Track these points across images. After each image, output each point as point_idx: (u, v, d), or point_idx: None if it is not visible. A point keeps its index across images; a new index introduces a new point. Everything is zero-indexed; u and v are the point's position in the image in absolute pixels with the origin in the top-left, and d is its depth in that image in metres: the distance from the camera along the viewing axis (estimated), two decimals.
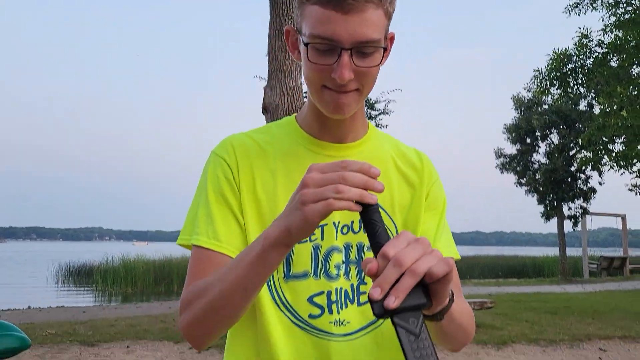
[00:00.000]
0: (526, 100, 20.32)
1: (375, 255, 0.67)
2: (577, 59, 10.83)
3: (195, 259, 0.93)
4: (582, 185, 19.56)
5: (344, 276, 0.97)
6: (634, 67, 9.70)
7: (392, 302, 0.62)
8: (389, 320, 0.94)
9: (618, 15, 9.81)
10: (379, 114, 16.00)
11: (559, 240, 20.59)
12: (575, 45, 10.72)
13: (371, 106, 15.79)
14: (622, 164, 10.63)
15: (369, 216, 0.70)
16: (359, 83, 0.88)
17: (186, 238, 0.95)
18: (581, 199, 19.71)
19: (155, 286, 17.69)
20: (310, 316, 0.94)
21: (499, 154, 21.08)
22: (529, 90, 19.53)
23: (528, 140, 20.47)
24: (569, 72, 10.98)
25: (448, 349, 0.97)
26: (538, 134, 20.15)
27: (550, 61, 11.09)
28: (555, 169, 19.11)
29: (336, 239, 0.97)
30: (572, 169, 19.29)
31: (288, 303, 0.94)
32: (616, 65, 9.83)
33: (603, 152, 10.90)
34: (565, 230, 20.47)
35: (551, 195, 19.73)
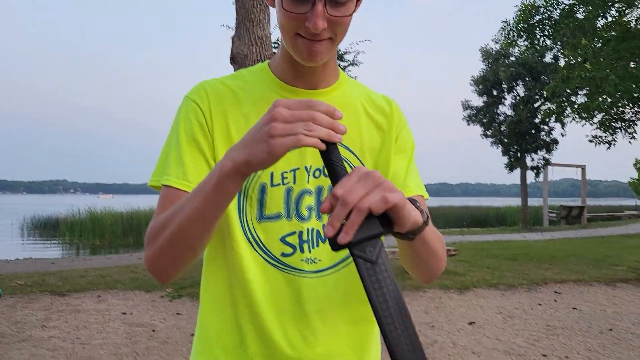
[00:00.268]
0: (494, 52, 20.42)
1: None
2: (545, 11, 10.89)
3: (164, 197, 0.95)
4: (545, 136, 20.01)
5: (316, 217, 1.01)
6: (599, 19, 9.81)
7: (343, 238, 0.66)
8: None
9: None
10: (348, 65, 15.88)
11: (521, 191, 21.23)
12: None
13: (340, 57, 15.64)
14: (583, 115, 10.87)
15: (329, 156, 0.73)
16: (332, 32, 0.90)
17: (157, 179, 0.97)
18: (544, 150, 20.20)
19: (124, 238, 17.63)
20: (283, 255, 0.98)
21: (466, 106, 21.28)
22: (496, 42, 19.63)
23: (495, 92, 20.68)
24: (536, 24, 11.05)
25: (421, 279, 1.02)
26: (504, 86, 20.36)
27: (518, 12, 11.13)
28: (520, 120, 19.46)
29: (308, 182, 1.00)
30: (536, 120, 19.66)
31: (261, 242, 0.98)
32: (582, 17, 9.93)
33: (566, 103, 11.11)
34: (528, 181, 21.07)
35: (515, 147, 20.15)
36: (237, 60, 6.11)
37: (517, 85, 20.36)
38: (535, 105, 19.72)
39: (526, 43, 11.95)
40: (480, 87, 20.63)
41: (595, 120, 11.10)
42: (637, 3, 9.26)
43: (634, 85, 9.51)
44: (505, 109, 20.83)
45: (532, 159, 20.51)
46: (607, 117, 10.96)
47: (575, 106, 10.90)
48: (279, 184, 0.99)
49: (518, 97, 20.40)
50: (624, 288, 7.90)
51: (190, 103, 1.00)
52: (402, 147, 1.10)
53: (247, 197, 0.98)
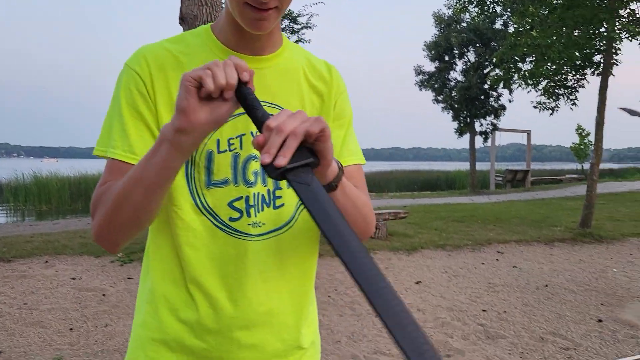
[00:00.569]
0: (446, 18, 20.58)
1: (261, 131, 0.74)
2: None
3: (110, 168, 0.96)
4: (493, 102, 20.51)
5: (261, 182, 1.04)
6: None
7: (281, 161, 0.70)
8: (300, 221, 1.06)
9: None
10: (302, 27, 15.69)
11: (470, 155, 21.84)
12: None
13: (294, 20, 15.42)
14: (529, 82, 11.18)
15: (247, 102, 0.78)
16: (279, 1, 0.92)
17: (102, 150, 0.97)
18: (492, 115, 20.74)
19: (72, 203, 17.14)
20: (230, 219, 1.01)
21: (419, 71, 21.50)
22: (449, 8, 19.79)
23: (446, 58, 20.94)
24: None
25: None
26: (456, 51, 20.63)
27: None
28: (470, 86, 19.84)
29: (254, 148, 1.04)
30: (486, 86, 20.09)
31: (210, 207, 1.01)
32: None
33: (513, 70, 11.38)
34: (477, 146, 21.66)
35: (465, 112, 20.60)
36: (187, 21, 5.95)
37: (468, 51, 20.66)
38: (485, 71, 20.11)
39: (477, 9, 12.11)
40: (433, 52, 20.83)
41: (540, 86, 11.44)
42: None
43: (577, 53, 9.84)
44: (456, 74, 21.17)
45: (481, 125, 21.03)
46: (551, 83, 11.32)
47: (522, 73, 11.19)
48: (226, 150, 1.01)
49: (469, 63, 20.74)
50: (560, 247, 8.36)
51: (130, 72, 0.99)
52: (340, 115, 1.13)
53: (194, 164, 1.00)
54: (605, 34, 8.98)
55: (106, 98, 1.08)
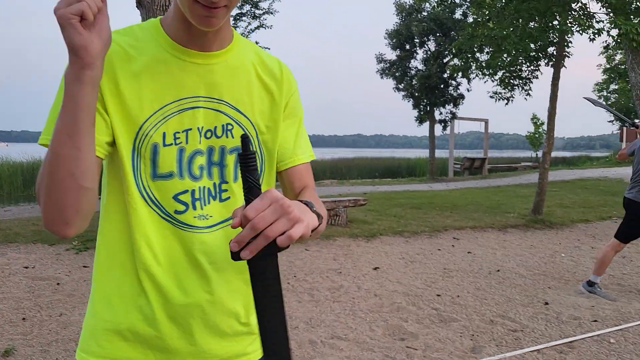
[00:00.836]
0: (407, 7, 20.75)
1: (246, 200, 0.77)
2: None
3: None
4: (452, 91, 20.89)
5: (207, 176, 1.06)
6: None
7: (246, 255, 0.74)
8: None
9: None
10: (263, 13, 15.55)
11: (429, 143, 22.21)
12: None
13: (255, 5, 15.27)
14: (486, 72, 11.46)
15: (248, 175, 0.79)
16: (228, 0, 0.93)
17: (47, 138, 0.96)
18: (451, 104, 21.13)
19: (24, 190, 16.60)
20: (176, 212, 1.04)
21: (380, 59, 21.65)
22: None
23: (407, 47, 21.16)
24: None
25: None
26: (416, 40, 20.87)
27: None
28: (430, 75, 20.14)
29: (200, 142, 1.04)
30: (445, 75, 20.42)
31: (156, 199, 1.03)
32: None
33: (471, 60, 11.62)
34: (436, 134, 22.06)
35: (425, 101, 20.91)
36: (144, 4, 5.84)
37: (429, 40, 20.92)
38: (445, 60, 20.42)
39: None
40: (394, 40, 21.00)
41: (497, 77, 11.72)
42: None
43: (531, 45, 10.11)
44: (416, 63, 21.42)
45: (441, 113, 21.41)
46: (507, 74, 11.61)
47: (479, 63, 11.44)
48: (171, 144, 1.02)
49: (429, 52, 21.01)
50: (513, 233, 8.66)
51: None
52: (291, 113, 1.16)
53: (140, 156, 1.01)
54: (558, 26, 9.25)
55: (55, 82, 1.05)
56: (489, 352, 3.83)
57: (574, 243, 8.01)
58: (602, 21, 9.23)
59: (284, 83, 1.15)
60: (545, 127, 9.89)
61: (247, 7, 15.14)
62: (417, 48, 21.20)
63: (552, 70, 9.86)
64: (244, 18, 15.28)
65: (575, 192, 14.33)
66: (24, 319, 4.26)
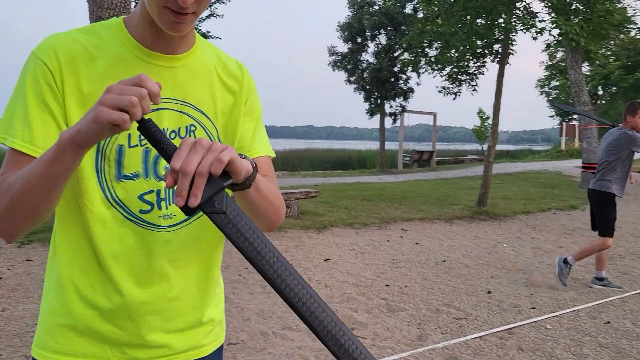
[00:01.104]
0: (359, 0, 20.91)
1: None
2: None
3: (9, 159, 0.96)
4: (402, 85, 21.24)
5: None
6: None
7: (194, 202, 0.74)
8: None
9: None
10: (215, 2, 15.32)
11: (380, 136, 22.54)
12: None
13: None
14: (435, 67, 11.75)
15: (155, 137, 0.79)
16: (197, 7, 0.95)
17: (2, 137, 0.97)
18: (401, 97, 21.49)
19: None
20: (141, 211, 1.05)
21: (332, 52, 21.75)
22: None
23: (359, 40, 21.34)
24: None
25: (262, 227, 1.13)
26: (368, 33, 21.07)
27: None
28: (381, 68, 20.39)
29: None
30: (396, 69, 20.73)
31: (120, 200, 1.04)
32: None
33: (421, 55, 11.88)
34: (387, 126, 22.40)
35: (376, 94, 21.17)
36: None
37: (380, 34, 21.16)
38: (395, 54, 20.72)
39: None
40: (346, 33, 21.13)
41: (445, 72, 12.02)
42: None
43: (478, 42, 10.43)
44: (368, 56, 21.65)
45: (391, 106, 21.73)
46: (454, 70, 11.93)
47: (429, 58, 11.70)
48: (137, 145, 1.04)
49: (380, 46, 21.26)
50: (459, 224, 8.96)
51: (38, 63, 0.98)
52: (250, 110, 1.20)
53: (105, 157, 1.02)
54: (503, 25, 9.58)
55: (8, 80, 1.03)
56: (434, 339, 3.99)
57: (515, 234, 8.37)
58: (544, 21, 9.63)
59: (245, 82, 1.19)
60: (490, 121, 10.24)
61: None
62: (369, 41, 21.41)
63: (497, 66, 10.21)
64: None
65: (517, 184, 14.91)
66: None
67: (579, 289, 5.42)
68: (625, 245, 7.56)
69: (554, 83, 37.06)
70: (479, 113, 30.79)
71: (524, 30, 9.50)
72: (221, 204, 0.76)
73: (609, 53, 28.81)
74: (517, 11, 9.82)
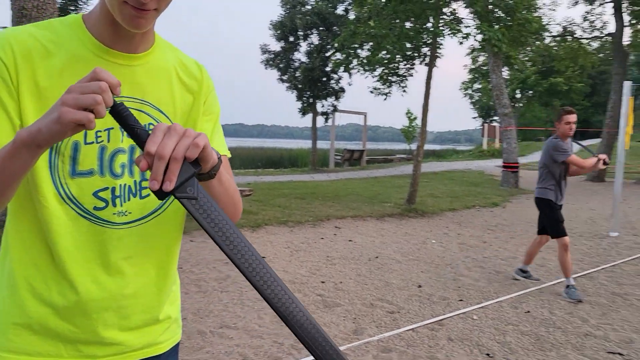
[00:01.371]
0: None
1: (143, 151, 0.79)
2: None
3: None
4: (334, 84, 21.49)
5: (128, 174, 1.08)
6: None
7: (169, 186, 0.76)
8: (168, 211, 1.13)
9: None
10: None
11: (312, 135, 22.70)
12: None
13: None
14: (366, 68, 12.02)
15: (127, 121, 0.80)
16: (158, 3, 0.95)
17: None
18: (333, 97, 21.74)
19: None
20: (95, 208, 1.05)
21: (265, 50, 21.66)
22: None
23: (291, 39, 21.37)
24: None
25: None
26: (300, 33, 21.15)
27: None
28: (313, 68, 20.52)
29: (122, 141, 1.06)
30: (328, 69, 20.94)
31: (74, 197, 1.03)
32: None
33: (353, 56, 12.10)
34: (318, 125, 22.56)
35: (308, 93, 21.30)
36: None
37: (312, 33, 21.28)
38: (327, 54, 20.93)
39: None
40: (278, 32, 21.10)
41: (376, 73, 12.32)
42: None
43: (408, 45, 10.77)
44: (300, 55, 21.71)
45: (323, 105, 21.92)
46: (385, 71, 12.25)
47: (360, 59, 11.94)
48: (93, 142, 1.03)
49: (312, 45, 21.39)
50: (390, 221, 9.22)
51: None
52: (209, 110, 1.22)
53: (59, 153, 1.01)
54: (431, 29, 9.95)
55: None
56: (369, 333, 4.12)
57: (442, 230, 8.72)
58: (470, 26, 10.10)
59: (204, 82, 1.21)
60: (418, 121, 10.61)
61: None
62: (301, 41, 21.48)
63: (426, 68, 10.59)
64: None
65: (443, 183, 15.52)
66: None
67: (502, 281, 5.75)
68: None
69: (476, 86, 38.74)
70: (407, 114, 31.68)
71: (451, 35, 9.91)
72: (193, 189, 0.79)
73: (526, 59, 30.54)
74: (445, 16, 10.23)
